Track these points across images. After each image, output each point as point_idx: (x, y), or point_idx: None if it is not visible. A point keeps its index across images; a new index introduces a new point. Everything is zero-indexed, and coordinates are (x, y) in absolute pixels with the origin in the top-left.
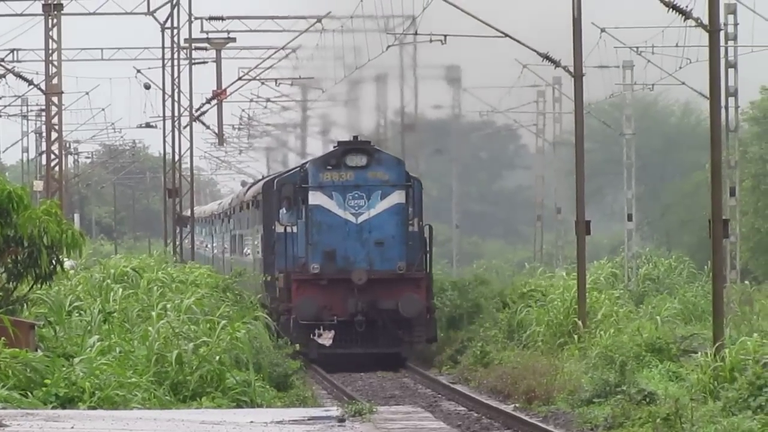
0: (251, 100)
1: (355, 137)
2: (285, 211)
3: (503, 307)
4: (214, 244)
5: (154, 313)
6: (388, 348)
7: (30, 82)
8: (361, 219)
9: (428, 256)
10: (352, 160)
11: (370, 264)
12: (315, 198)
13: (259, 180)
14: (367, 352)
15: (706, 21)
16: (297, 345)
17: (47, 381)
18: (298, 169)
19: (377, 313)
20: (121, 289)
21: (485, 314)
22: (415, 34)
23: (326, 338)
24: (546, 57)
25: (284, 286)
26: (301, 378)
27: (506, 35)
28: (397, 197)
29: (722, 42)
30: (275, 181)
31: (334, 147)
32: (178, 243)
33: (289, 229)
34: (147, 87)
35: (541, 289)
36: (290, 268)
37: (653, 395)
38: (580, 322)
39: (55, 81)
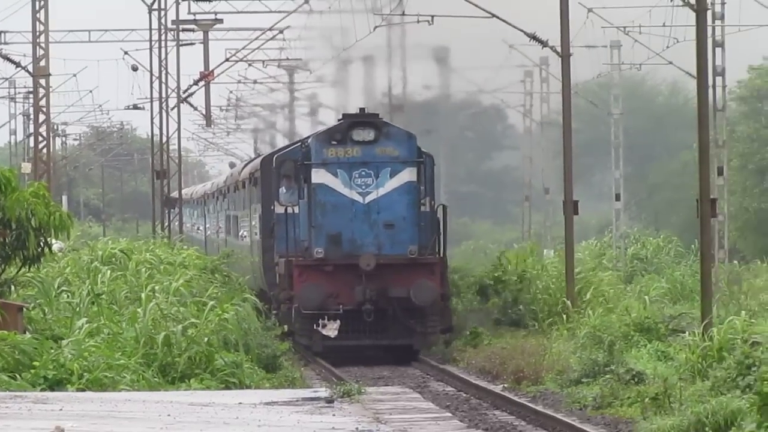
0: (239, 82)
1: (362, 109)
2: (285, 191)
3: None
4: (207, 225)
5: (143, 295)
6: (399, 339)
7: (17, 65)
8: (368, 199)
9: (443, 238)
10: (358, 134)
11: (379, 248)
12: (318, 176)
13: (256, 157)
14: (376, 344)
15: (693, 0)
16: (285, 326)
17: (36, 363)
18: (299, 144)
19: (387, 301)
20: (109, 271)
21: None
22: (403, 14)
23: (332, 329)
24: (533, 37)
25: (285, 272)
26: (289, 359)
27: (493, 15)
28: (407, 175)
29: (709, 21)
30: (274, 158)
31: (339, 120)
32: (166, 224)
33: (289, 210)
34: (134, 69)
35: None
36: (291, 253)
37: (642, 375)
38: (569, 302)
39: (42, 63)
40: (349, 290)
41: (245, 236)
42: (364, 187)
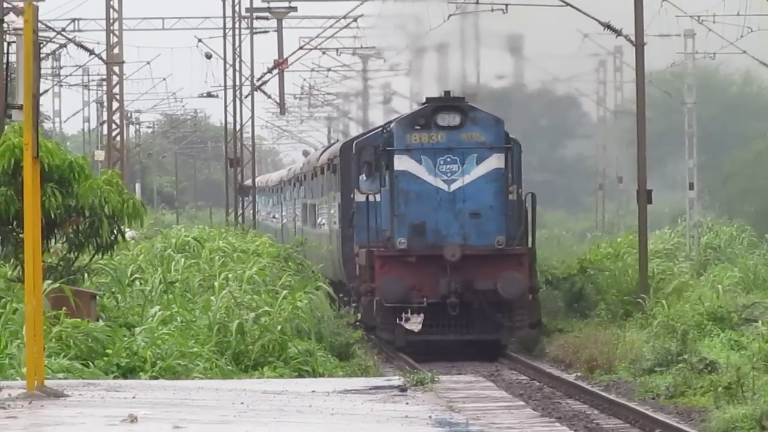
0: (312, 70)
1: (447, 93)
2: (365, 178)
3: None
4: (284, 213)
5: (216, 283)
6: (485, 334)
7: (91, 52)
8: (454, 187)
9: (531, 228)
10: (443, 119)
11: (465, 238)
12: (401, 163)
13: (334, 143)
14: (461, 339)
15: None
16: (358, 314)
17: (108, 351)
18: (380, 130)
19: (473, 294)
20: (183, 259)
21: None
22: (477, 2)
23: (415, 323)
24: (607, 26)
25: (366, 263)
26: (363, 347)
27: (567, 4)
28: (495, 161)
29: None
30: (354, 144)
31: (422, 105)
32: (240, 213)
33: (371, 198)
34: (208, 56)
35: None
36: (373, 243)
37: (714, 364)
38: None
39: (116, 51)
40: (433, 282)
41: (323, 224)
42: (449, 174)
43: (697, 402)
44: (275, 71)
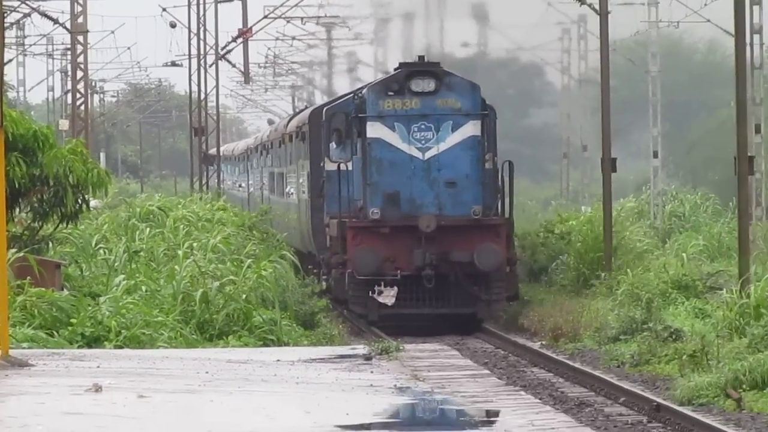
0: (277, 39)
1: (421, 57)
2: (335, 146)
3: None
4: (250, 182)
5: (180, 252)
6: (461, 308)
7: (55, 21)
8: (428, 155)
9: (510, 199)
10: (417, 84)
11: (440, 208)
12: (374, 130)
13: (303, 109)
14: (436, 313)
15: None
16: (323, 283)
17: (73, 320)
18: (351, 96)
19: (449, 266)
20: (147, 229)
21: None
22: None
23: (388, 296)
24: None
25: (338, 234)
26: (328, 316)
27: None
28: (471, 128)
29: None
30: (324, 110)
31: (395, 70)
32: (204, 182)
33: (342, 167)
34: (173, 26)
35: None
36: (344, 213)
37: (679, 332)
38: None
39: (80, 20)
40: (407, 254)
41: (291, 194)
42: (423, 141)
43: (662, 370)
44: (240, 40)
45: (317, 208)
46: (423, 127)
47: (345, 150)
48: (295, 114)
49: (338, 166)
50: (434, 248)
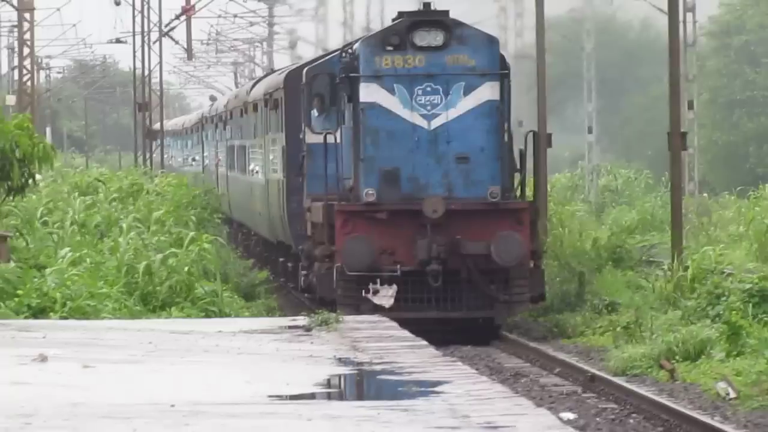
0: (219, 16)
1: (426, 6)
2: (317, 114)
3: None
4: (205, 155)
5: (124, 225)
6: (475, 311)
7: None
8: (435, 123)
9: (534, 177)
10: (422, 37)
11: (449, 189)
12: (369, 93)
13: (269, 73)
14: (444, 317)
15: None
16: (302, 281)
17: (19, 292)
18: (337, 54)
19: (460, 260)
20: (89, 200)
21: None
22: None
23: (386, 297)
24: None
25: (324, 220)
26: (268, 289)
27: None
28: (488, 91)
29: None
30: (304, 71)
31: (395, 20)
32: (148, 156)
33: (329, 139)
34: (117, 3)
35: None
36: (331, 195)
37: (614, 304)
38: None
39: None
40: (408, 245)
41: (256, 172)
42: (429, 107)
43: (597, 342)
44: (183, 17)
45: (295, 189)
46: (429, 89)
47: (330, 119)
48: (261, 78)
49: (324, 137)
50: (442, 238)
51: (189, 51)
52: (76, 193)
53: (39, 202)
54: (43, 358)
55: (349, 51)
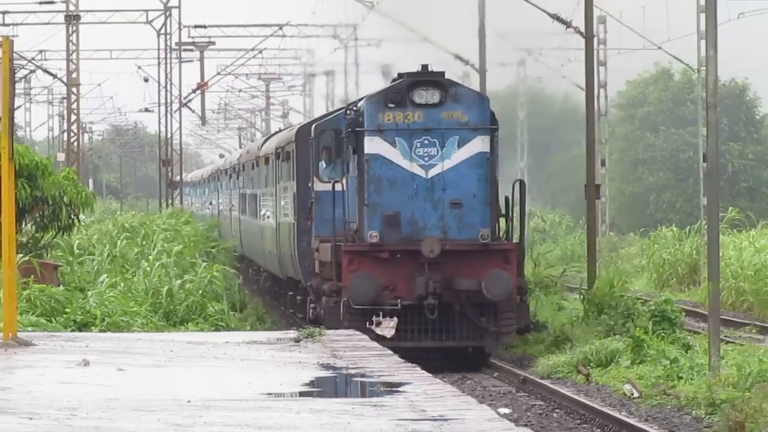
0: (227, 91)
1: (424, 66)
2: (325, 165)
3: None
4: (220, 201)
5: (151, 257)
6: (467, 341)
7: (54, 76)
8: (432, 173)
9: (521, 221)
10: (420, 95)
11: (445, 231)
12: (372, 145)
13: (279, 130)
14: (440, 347)
15: (582, 29)
16: (310, 312)
17: (67, 310)
18: (342, 111)
19: (454, 295)
20: (125, 240)
21: None
22: (356, 39)
23: (387, 328)
24: (457, 57)
25: (332, 259)
26: (252, 302)
27: (427, 40)
28: (479, 144)
29: (595, 46)
30: (313, 127)
31: (396, 80)
32: (170, 202)
33: (338, 187)
34: (146, 80)
35: None
36: (339, 237)
37: (544, 323)
38: None
39: (74, 75)
40: (408, 282)
41: (268, 216)
42: (426, 158)
43: (529, 351)
44: (198, 91)
45: (304, 231)
46: (426, 142)
47: (335, 169)
48: (271, 135)
49: (332, 185)
50: (438, 275)
51: (203, 118)
52: (116, 232)
53: (84, 239)
54: (86, 363)
55: (354, 108)
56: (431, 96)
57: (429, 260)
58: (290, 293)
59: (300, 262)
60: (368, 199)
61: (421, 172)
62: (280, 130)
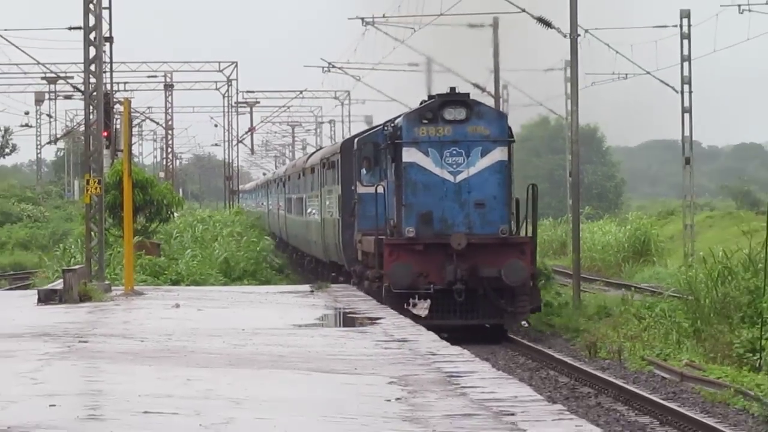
0: (267, 132)
1: (453, 89)
2: (365, 172)
3: None
4: (269, 203)
5: (219, 238)
6: (489, 319)
7: (158, 123)
8: (459, 178)
9: (533, 219)
10: (450, 113)
11: (470, 227)
12: (409, 155)
13: (319, 149)
14: (466, 324)
15: (493, 92)
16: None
17: (166, 272)
18: (380, 128)
19: (478, 281)
20: (201, 226)
21: None
22: (349, 97)
23: (422, 308)
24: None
25: (375, 251)
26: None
27: (395, 100)
28: (498, 154)
29: (501, 103)
30: (356, 140)
31: (429, 100)
32: (231, 204)
33: (379, 190)
34: (215, 125)
35: None
36: (381, 231)
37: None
38: None
39: (170, 122)
40: (439, 270)
41: (313, 213)
42: (455, 166)
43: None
44: (249, 133)
45: (347, 225)
46: (455, 152)
47: (374, 175)
48: (314, 152)
49: (375, 188)
50: (465, 264)
51: (252, 149)
52: (195, 222)
53: (175, 227)
54: (178, 306)
55: (392, 124)
56: (459, 113)
57: (457, 252)
58: (333, 274)
59: (344, 250)
60: (406, 200)
61: (450, 177)
62: (318, 149)
